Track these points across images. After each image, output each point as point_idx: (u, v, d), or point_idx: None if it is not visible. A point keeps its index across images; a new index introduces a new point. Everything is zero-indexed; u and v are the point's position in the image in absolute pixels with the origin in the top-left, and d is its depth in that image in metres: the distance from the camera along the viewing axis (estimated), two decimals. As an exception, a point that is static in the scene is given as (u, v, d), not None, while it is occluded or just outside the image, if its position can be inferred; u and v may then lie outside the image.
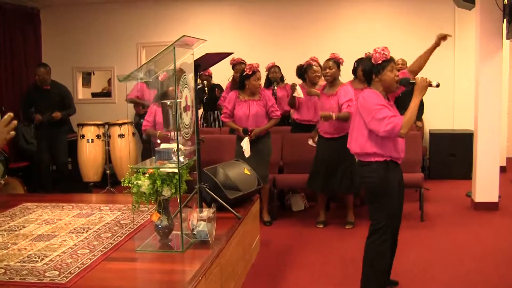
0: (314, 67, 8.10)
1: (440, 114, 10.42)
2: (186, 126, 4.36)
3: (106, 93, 12.50)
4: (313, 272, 5.61)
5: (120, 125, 9.10)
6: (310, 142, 7.30)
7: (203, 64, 5.16)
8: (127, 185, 4.29)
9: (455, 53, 10.92)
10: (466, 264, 5.72)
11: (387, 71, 4.55)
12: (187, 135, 4.37)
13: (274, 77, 8.62)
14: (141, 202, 4.32)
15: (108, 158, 9.16)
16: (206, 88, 9.12)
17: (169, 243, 4.44)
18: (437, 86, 4.51)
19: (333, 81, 6.98)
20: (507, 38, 7.67)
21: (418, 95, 4.48)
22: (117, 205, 5.94)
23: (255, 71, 6.98)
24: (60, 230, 4.93)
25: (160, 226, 4.38)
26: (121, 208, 5.75)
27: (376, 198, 4.65)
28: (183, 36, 4.03)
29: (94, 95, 12.55)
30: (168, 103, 4.38)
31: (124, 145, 9.09)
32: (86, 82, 12.60)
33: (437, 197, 8.58)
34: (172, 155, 4.27)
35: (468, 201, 8.24)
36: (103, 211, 5.67)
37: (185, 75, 4.36)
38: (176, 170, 4.19)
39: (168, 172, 4.23)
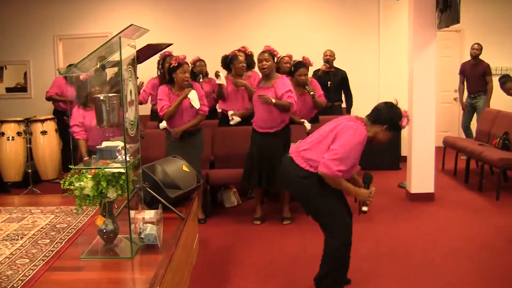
0: (240, 58, 7.88)
1: (365, 104, 10.28)
2: (131, 122, 4.05)
3: (20, 88, 11.87)
4: (258, 271, 5.40)
5: (42, 121, 8.61)
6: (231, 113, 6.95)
7: (142, 55, 4.85)
8: (67, 187, 3.94)
9: (379, 43, 10.97)
10: (414, 258, 5.67)
11: (390, 133, 4.41)
12: (132, 132, 4.05)
13: (200, 71, 8.32)
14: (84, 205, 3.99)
15: (29, 156, 8.65)
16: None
17: (115, 248, 4.10)
18: (364, 212, 4.59)
19: (269, 73, 6.76)
20: (438, 27, 7.66)
21: (351, 192, 4.46)
22: (49, 207, 5.50)
23: (181, 63, 6.63)
24: (-10, 238, 4.50)
25: (104, 231, 4.03)
26: (53, 211, 5.33)
27: (312, 205, 4.59)
28: (131, 25, 3.70)
29: (8, 90, 11.91)
30: (102, 98, 4.04)
31: (47, 143, 8.57)
32: (-2, 77, 11.97)
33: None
34: (117, 154, 3.95)
35: (402, 192, 8.26)
36: (34, 214, 5.24)
37: (130, 67, 4.03)
38: (122, 170, 3.88)
39: (113, 172, 3.91)
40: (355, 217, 4.82)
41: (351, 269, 4.82)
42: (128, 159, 3.91)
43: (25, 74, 11.61)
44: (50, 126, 8.70)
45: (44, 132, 8.58)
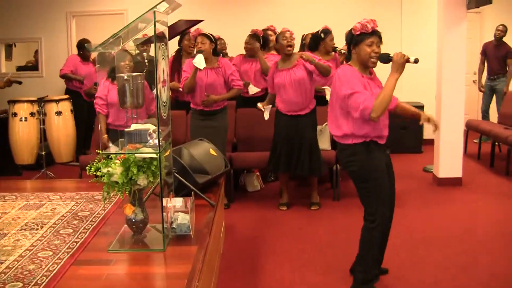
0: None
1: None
2: (164, 104, 3.74)
3: (31, 67, 11.56)
4: (291, 260, 5.13)
5: (57, 101, 8.31)
6: (260, 105, 6.67)
7: (171, 32, 4.54)
8: (93, 173, 3.63)
9: (402, 20, 10.60)
10: (451, 245, 5.44)
11: (364, 45, 4.13)
12: (164, 114, 3.75)
13: (221, 49, 7.99)
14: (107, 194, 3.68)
15: (43, 138, 8.32)
16: (146, 60, 8.40)
17: (144, 240, 3.80)
18: (416, 62, 4.03)
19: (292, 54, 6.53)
20: (468, 8, 7.38)
21: (394, 74, 4.04)
22: (68, 193, 5.17)
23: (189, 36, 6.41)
24: (8, 227, 4.15)
25: (134, 220, 3.72)
26: (73, 197, 5.01)
27: (361, 183, 4.29)
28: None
29: (18, 68, 11.60)
30: (125, 77, 3.73)
31: (62, 124, 8.28)
32: (8, 55, 11.62)
33: (395, 173, 8.22)
34: (148, 137, 3.65)
35: (428, 176, 8.05)
36: (53, 201, 4.91)
37: (163, 44, 3.72)
38: (155, 156, 3.57)
39: (144, 158, 3.60)
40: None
41: (387, 257, 4.59)
42: (160, 143, 3.60)
43: (36, 52, 11.29)
44: (65, 106, 8.43)
45: (59, 113, 8.28)
